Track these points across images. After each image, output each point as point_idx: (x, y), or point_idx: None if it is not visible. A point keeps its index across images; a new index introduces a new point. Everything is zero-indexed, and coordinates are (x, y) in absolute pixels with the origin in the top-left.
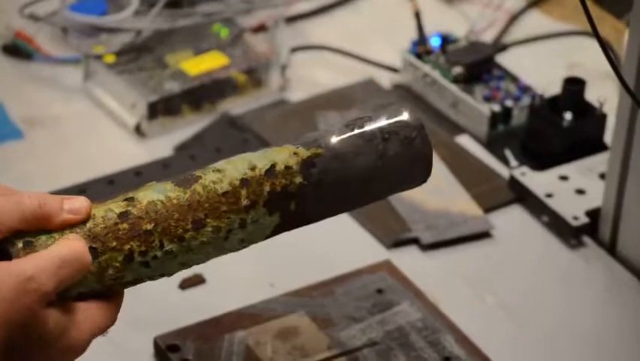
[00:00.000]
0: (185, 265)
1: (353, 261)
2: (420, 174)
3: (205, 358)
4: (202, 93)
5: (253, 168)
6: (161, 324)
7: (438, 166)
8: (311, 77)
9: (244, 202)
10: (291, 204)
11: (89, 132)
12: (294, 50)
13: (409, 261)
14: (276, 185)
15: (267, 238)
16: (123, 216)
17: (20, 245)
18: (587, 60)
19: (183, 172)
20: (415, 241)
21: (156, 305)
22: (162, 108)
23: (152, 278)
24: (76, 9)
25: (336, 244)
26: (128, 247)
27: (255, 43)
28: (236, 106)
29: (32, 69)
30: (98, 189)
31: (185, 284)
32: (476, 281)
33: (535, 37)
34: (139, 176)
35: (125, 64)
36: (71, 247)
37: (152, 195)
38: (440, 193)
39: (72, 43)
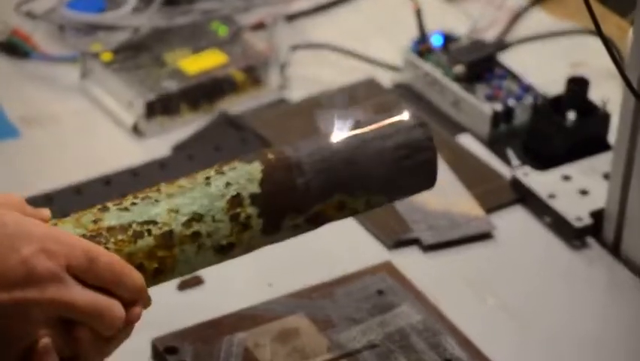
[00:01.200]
0: (179, 213)
1: (353, 262)
2: (424, 187)
3: (204, 360)
4: (200, 92)
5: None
6: (159, 326)
7: (439, 166)
8: (311, 75)
9: (216, 166)
10: (267, 155)
11: (86, 131)
12: (294, 48)
13: (409, 262)
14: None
15: (262, 185)
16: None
17: None
18: (590, 59)
19: (181, 172)
20: (416, 241)
21: (154, 307)
22: (160, 107)
23: (150, 231)
24: (73, 7)
25: (337, 244)
26: (100, 205)
27: (254, 42)
28: (235, 105)
29: (29, 67)
30: (94, 189)
31: (183, 285)
32: (478, 282)
33: (538, 35)
34: (136, 176)
35: (123, 62)
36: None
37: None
38: (441, 193)
39: (69, 41)
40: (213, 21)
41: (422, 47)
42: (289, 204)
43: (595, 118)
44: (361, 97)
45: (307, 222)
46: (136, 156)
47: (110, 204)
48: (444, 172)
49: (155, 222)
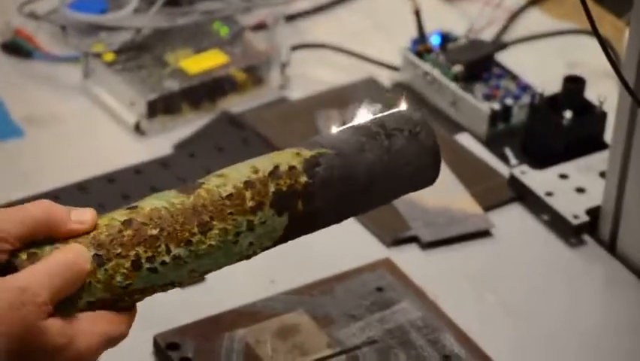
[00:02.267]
0: (196, 272)
1: (353, 259)
2: (429, 171)
3: (205, 356)
4: (202, 91)
5: (256, 171)
6: (160, 322)
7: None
8: (311, 75)
9: (250, 203)
10: (298, 203)
11: (89, 131)
12: (294, 48)
13: (408, 259)
14: (281, 185)
15: (276, 242)
16: (127, 223)
17: (24, 257)
18: (586, 59)
19: (183, 170)
20: (414, 239)
21: (156, 303)
22: (162, 106)
23: (163, 288)
24: (75, 7)
25: (336, 242)
26: (134, 252)
27: (255, 42)
28: (236, 104)
29: (32, 67)
30: (97, 187)
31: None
32: (476, 279)
33: (535, 35)
34: (139, 174)
35: (125, 62)
36: (65, 255)
37: (155, 202)
38: (440, 191)
39: (71, 41)
40: (214, 21)
41: (421, 47)
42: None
43: (591, 117)
44: (361, 96)
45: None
46: (138, 155)
47: (143, 257)
48: (442, 171)
49: (173, 284)
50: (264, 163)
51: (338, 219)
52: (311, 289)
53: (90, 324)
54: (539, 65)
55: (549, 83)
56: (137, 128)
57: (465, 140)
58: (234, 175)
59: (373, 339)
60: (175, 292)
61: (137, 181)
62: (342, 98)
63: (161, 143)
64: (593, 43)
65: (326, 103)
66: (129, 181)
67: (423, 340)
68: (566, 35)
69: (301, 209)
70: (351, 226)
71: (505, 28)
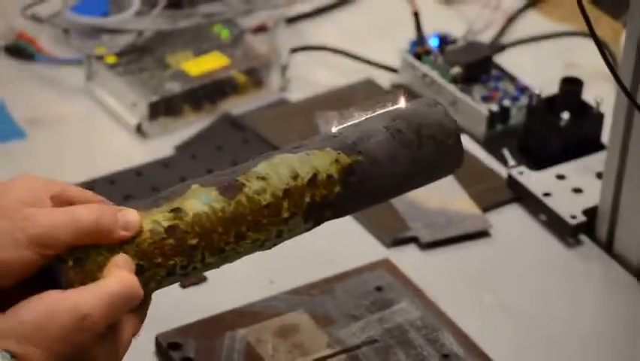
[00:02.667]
0: (214, 268)
1: (353, 259)
2: (448, 172)
3: (206, 356)
4: (203, 93)
5: (295, 177)
6: (162, 322)
7: None
8: (311, 77)
9: (285, 215)
10: (326, 212)
11: (91, 132)
12: (294, 50)
13: (408, 259)
14: (316, 195)
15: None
16: (170, 230)
17: (70, 263)
18: (584, 60)
19: (184, 172)
20: (414, 239)
21: (158, 303)
22: (163, 108)
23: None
24: (78, 10)
25: (336, 242)
26: (172, 262)
27: (256, 44)
28: (236, 106)
29: (34, 70)
30: (99, 188)
31: (186, 282)
32: (475, 279)
33: (533, 37)
34: (140, 175)
35: (127, 64)
36: (124, 282)
37: (198, 205)
38: (439, 192)
39: (74, 44)
40: (215, 24)
41: (419, 49)
42: None
43: (589, 118)
44: (360, 97)
45: None
46: (140, 156)
47: (178, 266)
48: None
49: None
50: (303, 167)
51: (352, 213)
52: (311, 289)
53: (124, 332)
54: (537, 67)
55: (547, 85)
56: (139, 130)
57: (463, 141)
58: (274, 181)
59: (373, 339)
60: (177, 292)
61: (139, 182)
62: (341, 100)
63: (163, 144)
64: (590, 45)
65: (325, 104)
66: (131, 182)
67: (422, 339)
68: (563, 37)
69: (328, 216)
70: (350, 226)
71: (503, 31)
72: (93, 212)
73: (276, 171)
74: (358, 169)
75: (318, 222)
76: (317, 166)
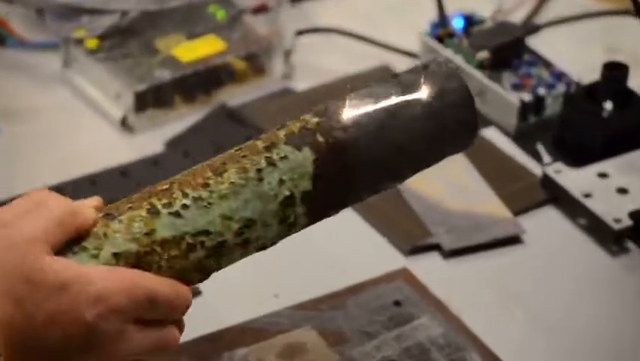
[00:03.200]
0: (231, 219)
1: (366, 269)
2: (455, 147)
3: None
4: (196, 82)
5: (264, 133)
6: None
7: (461, 162)
8: (318, 63)
9: (262, 145)
10: (316, 136)
11: (69, 126)
12: (300, 33)
13: (429, 269)
14: (291, 128)
15: (315, 183)
16: (131, 196)
17: None
18: (629, 43)
19: (176, 171)
20: (435, 246)
21: None
22: (151, 99)
23: (203, 243)
24: None
25: (348, 250)
26: (147, 202)
27: (256, 26)
28: (234, 96)
29: (6, 56)
30: (79, 190)
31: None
32: (505, 292)
33: (571, 17)
34: (125, 175)
35: (110, 49)
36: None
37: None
38: (464, 193)
39: (49, 26)
40: (210, 4)
41: (441, 31)
42: (337, 200)
43: (634, 108)
44: None
45: (347, 209)
46: (125, 154)
47: (158, 204)
48: (467, 170)
49: (208, 233)
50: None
51: (376, 159)
52: (319, 304)
53: (110, 270)
54: (576, 51)
55: (587, 71)
56: (124, 124)
57: (492, 135)
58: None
59: (390, 359)
60: None
61: (124, 184)
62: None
63: (151, 140)
64: (636, 26)
65: (336, 95)
66: (115, 183)
67: (445, 360)
68: (605, 17)
69: (322, 141)
70: (364, 233)
71: (537, 9)
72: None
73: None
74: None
75: (320, 150)
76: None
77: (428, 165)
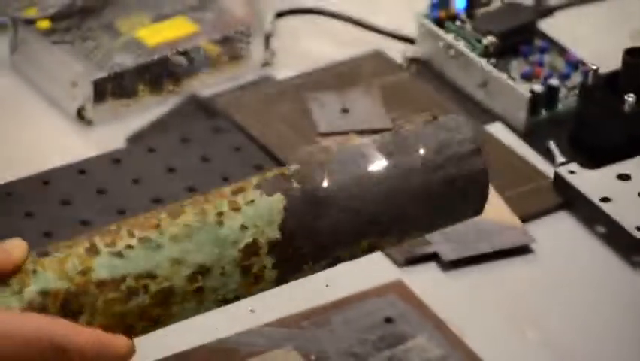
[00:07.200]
0: (183, 264)
1: (355, 281)
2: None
3: None
4: (163, 69)
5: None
6: None
7: None
8: (302, 48)
9: (230, 190)
10: (292, 182)
11: (18, 119)
12: (281, 14)
13: (426, 282)
14: (266, 175)
15: (285, 233)
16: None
17: None
18: None
19: (139, 170)
20: (433, 256)
21: None
22: (112, 88)
23: (145, 286)
24: None
25: None
26: (88, 241)
27: (231, 6)
28: (207, 85)
29: None
30: (30, 190)
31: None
32: (513, 309)
33: None
34: (82, 174)
35: (65, 31)
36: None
37: None
38: None
39: None
40: None
41: (442, 13)
42: (311, 252)
43: None
44: (366, 75)
45: (326, 266)
46: (82, 150)
47: (99, 243)
48: None
49: (153, 276)
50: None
51: (349, 204)
52: (302, 320)
53: (17, 314)
54: (594, 36)
55: (606, 59)
56: (81, 116)
57: (498, 131)
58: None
59: None
60: None
61: (81, 183)
62: (342, 78)
63: (112, 134)
64: None
65: (321, 84)
66: (71, 183)
67: None
68: None
69: (298, 187)
70: None
71: None
72: None
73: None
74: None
75: (291, 196)
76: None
77: (425, 230)
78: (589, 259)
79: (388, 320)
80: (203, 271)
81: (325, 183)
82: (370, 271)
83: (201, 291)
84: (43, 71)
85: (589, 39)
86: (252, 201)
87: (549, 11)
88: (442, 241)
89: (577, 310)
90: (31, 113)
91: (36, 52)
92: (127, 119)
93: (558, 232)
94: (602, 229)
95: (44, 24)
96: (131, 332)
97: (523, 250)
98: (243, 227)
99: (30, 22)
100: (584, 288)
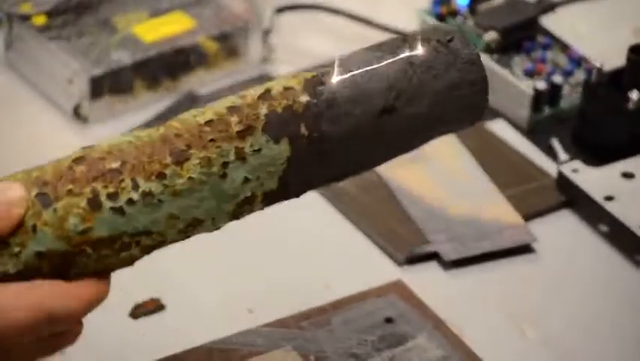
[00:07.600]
0: (178, 219)
1: (355, 281)
2: (470, 90)
3: None
4: (160, 66)
5: (244, 97)
6: None
7: (465, 160)
8: (301, 45)
9: (236, 128)
10: (299, 126)
11: (13, 117)
12: (280, 10)
13: (426, 282)
14: (275, 106)
15: (281, 185)
16: (78, 160)
17: None
18: None
19: None
20: (434, 256)
21: (101, 338)
22: (109, 85)
23: (139, 243)
24: None
25: (334, 259)
26: (91, 188)
27: (230, 2)
28: (204, 83)
29: None
30: None
31: (138, 311)
32: (514, 309)
33: None
34: None
35: (61, 27)
36: None
37: (115, 140)
38: (468, 195)
39: None
40: None
41: (444, 9)
42: (299, 192)
43: None
44: None
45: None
46: (78, 147)
47: (102, 193)
48: (471, 168)
49: (148, 233)
50: (253, 89)
51: (358, 159)
52: (301, 321)
53: (17, 294)
54: (598, 32)
55: (610, 56)
56: (77, 113)
57: (500, 128)
58: (216, 105)
59: None
60: (126, 325)
61: None
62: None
63: (108, 132)
64: None
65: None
66: None
67: None
68: None
69: (305, 134)
70: (353, 239)
71: None
72: None
73: (218, 101)
74: (328, 77)
75: (299, 146)
76: (270, 85)
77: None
78: (592, 258)
79: (388, 320)
80: (195, 224)
81: (332, 125)
82: (370, 271)
83: (186, 237)
84: (38, 67)
85: (591, 36)
86: (259, 150)
87: (551, 7)
88: (443, 240)
89: (579, 310)
90: (27, 111)
91: (32, 48)
92: (124, 116)
93: (561, 230)
94: (605, 228)
95: (40, 20)
96: (108, 274)
97: (525, 248)
98: (246, 180)
99: (25, 18)
100: (587, 287)
